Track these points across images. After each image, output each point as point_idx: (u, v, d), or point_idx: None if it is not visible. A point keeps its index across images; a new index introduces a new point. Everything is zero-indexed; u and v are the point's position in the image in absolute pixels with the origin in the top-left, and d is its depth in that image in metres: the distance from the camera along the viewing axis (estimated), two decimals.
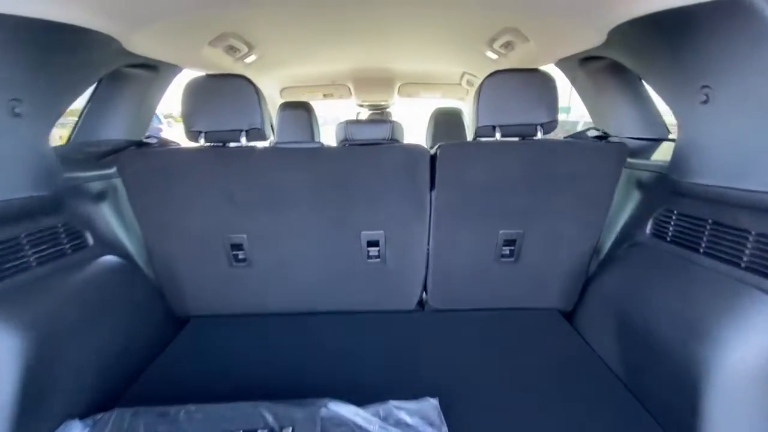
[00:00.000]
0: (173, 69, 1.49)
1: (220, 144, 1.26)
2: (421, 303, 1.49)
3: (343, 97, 3.17)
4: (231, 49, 1.74)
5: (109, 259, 1.18)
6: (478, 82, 2.81)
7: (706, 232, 0.98)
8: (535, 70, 1.25)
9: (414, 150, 1.22)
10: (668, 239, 1.11)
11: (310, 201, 1.26)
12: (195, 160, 1.21)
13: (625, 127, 1.33)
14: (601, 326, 1.24)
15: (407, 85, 3.02)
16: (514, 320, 1.43)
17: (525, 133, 1.25)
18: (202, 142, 1.24)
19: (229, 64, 1.87)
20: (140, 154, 1.20)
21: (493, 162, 1.22)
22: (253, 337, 1.32)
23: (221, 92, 1.22)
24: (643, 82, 1.36)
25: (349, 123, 1.24)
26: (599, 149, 1.21)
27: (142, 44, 1.20)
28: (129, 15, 1.04)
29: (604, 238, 1.37)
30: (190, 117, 1.23)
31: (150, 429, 0.85)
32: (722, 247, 0.94)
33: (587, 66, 1.38)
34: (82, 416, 0.88)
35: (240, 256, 1.35)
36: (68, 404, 0.91)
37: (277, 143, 2.46)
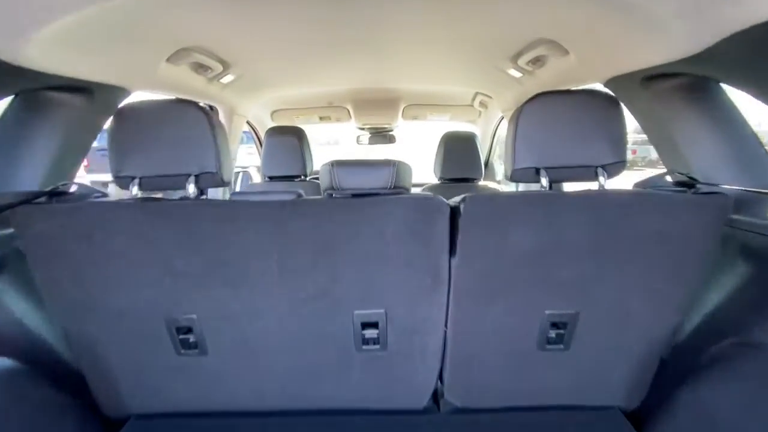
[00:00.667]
0: (117, 92, 1.17)
1: (159, 195, 0.92)
2: (435, 399, 1.12)
3: (341, 120, 2.87)
4: (200, 68, 1.44)
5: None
6: (492, 103, 2.51)
7: None
8: (595, 92, 0.92)
9: (427, 204, 0.87)
10: None
11: (283, 271, 0.91)
12: (122, 218, 0.87)
13: (718, 170, 0.98)
14: None
15: (413, 107, 2.71)
16: (563, 422, 1.05)
17: (581, 177, 0.91)
18: (135, 191, 0.90)
19: (200, 86, 1.56)
20: (42, 210, 0.86)
21: (540, 221, 0.87)
22: None
23: (162, 124, 0.89)
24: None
25: (337, 165, 0.88)
26: (690, 203, 0.85)
27: (46, 57, 0.88)
28: (18, 14, 0.72)
29: (690, 320, 1.00)
30: (118, 157, 0.90)
31: None
32: None
33: (655, 85, 1.04)
34: None
35: (190, 341, 0.99)
36: None
37: (265, 177, 2.18)
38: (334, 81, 2.14)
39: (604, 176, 0.89)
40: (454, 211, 0.88)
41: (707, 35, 0.76)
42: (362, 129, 3.04)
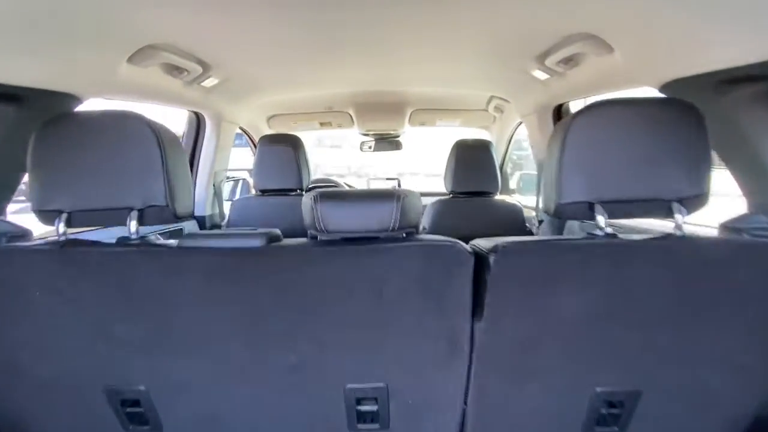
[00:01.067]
0: (64, 101, 0.96)
1: (88, 237, 0.71)
2: None
3: (343, 126, 2.66)
4: (174, 69, 1.23)
5: None
6: (510, 108, 2.27)
7: None
8: (671, 101, 0.69)
9: (444, 252, 0.65)
10: None
11: (252, 336, 0.69)
12: (39, 268, 0.66)
13: None
14: None
15: (421, 112, 2.49)
16: None
17: (650, 214, 0.68)
18: (61, 229, 0.69)
19: (177, 90, 1.36)
20: None
21: (597, 277, 0.64)
22: None
23: (97, 143, 0.68)
24: None
25: (321, 200, 0.65)
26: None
27: None
28: None
29: None
30: (41, 186, 0.69)
31: None
32: None
33: (736, 92, 0.81)
34: None
35: (140, 415, 0.78)
36: None
37: (257, 190, 1.98)
38: (335, 84, 1.93)
39: (681, 213, 0.66)
40: (481, 260, 0.66)
41: None
42: (366, 135, 2.82)
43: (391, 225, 0.64)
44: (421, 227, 1.43)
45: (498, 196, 1.96)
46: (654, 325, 0.67)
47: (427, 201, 2.69)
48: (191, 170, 1.87)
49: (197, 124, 1.82)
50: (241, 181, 3.87)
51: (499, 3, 0.92)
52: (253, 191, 3.07)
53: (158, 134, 0.69)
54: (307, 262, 0.65)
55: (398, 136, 2.87)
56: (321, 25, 1.08)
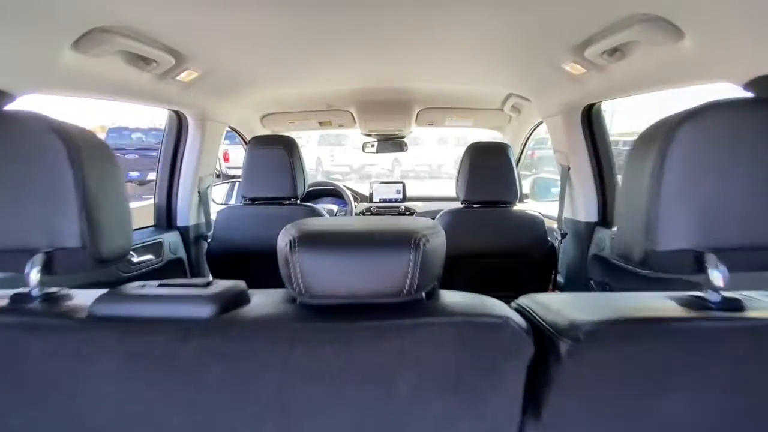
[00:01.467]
0: None
1: None
2: None
3: (344, 125, 2.45)
4: (140, 60, 1.03)
5: None
6: (529, 107, 2.05)
7: None
8: None
9: (488, 333, 0.43)
10: None
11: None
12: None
13: None
14: None
15: (429, 111, 2.27)
16: None
17: None
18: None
19: (145, 84, 1.15)
20: None
21: (723, 367, 0.43)
22: None
23: None
24: None
25: (301, 245, 0.43)
26: None
27: None
28: None
29: None
30: None
31: None
32: None
33: None
34: None
35: None
36: None
37: (243, 199, 1.78)
38: (335, 80, 1.72)
39: None
40: (543, 339, 0.45)
41: None
42: (368, 136, 2.61)
43: (407, 286, 0.43)
44: None
45: (518, 207, 1.74)
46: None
47: (432, 207, 2.48)
48: (173, 175, 1.67)
49: (178, 124, 1.61)
50: (237, 184, 3.62)
51: None
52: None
53: (70, 144, 0.48)
54: (279, 342, 0.44)
55: (403, 137, 2.65)
56: (317, 11, 0.88)
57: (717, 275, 0.45)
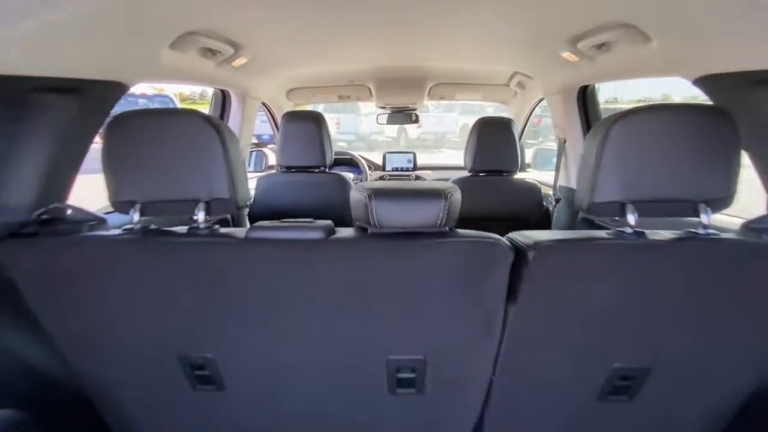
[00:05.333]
0: (113, 89, 1.00)
1: (159, 228, 0.78)
2: None
3: (362, 99, 2.65)
4: (208, 52, 1.25)
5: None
6: (533, 84, 2.24)
7: None
8: (703, 107, 0.72)
9: (487, 249, 0.71)
10: None
11: (309, 314, 0.78)
12: (120, 256, 0.74)
13: None
14: None
15: (440, 86, 2.46)
16: None
17: (677, 213, 0.73)
18: (135, 218, 0.77)
19: (209, 70, 1.38)
20: (28, 245, 0.73)
21: (624, 273, 0.71)
22: None
23: (164, 140, 0.74)
24: None
25: (375, 197, 0.70)
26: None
27: (25, 59, 0.72)
28: None
29: None
30: (115, 179, 0.76)
31: None
32: None
33: None
34: None
35: (207, 377, 0.89)
36: None
37: (280, 167, 2.03)
38: (356, 59, 1.92)
39: (707, 213, 0.71)
40: (519, 254, 0.73)
41: None
42: (383, 108, 2.81)
43: (439, 221, 0.70)
44: None
45: (519, 175, 1.99)
46: (669, 314, 0.74)
47: (440, 176, 2.73)
48: None
49: (222, 100, 1.84)
50: (254, 154, 3.83)
51: None
52: (272, 161, 3.04)
53: (219, 131, 0.74)
54: (359, 255, 0.73)
55: (415, 109, 2.85)
56: (344, 2, 1.08)
57: (631, 217, 0.71)
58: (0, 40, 0.62)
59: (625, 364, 0.82)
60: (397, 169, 2.92)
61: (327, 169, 1.91)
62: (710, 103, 1.01)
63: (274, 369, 0.87)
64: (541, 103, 2.42)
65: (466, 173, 1.93)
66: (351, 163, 2.94)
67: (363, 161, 2.91)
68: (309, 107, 2.72)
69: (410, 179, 2.82)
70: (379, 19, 1.27)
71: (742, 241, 0.74)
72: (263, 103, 2.37)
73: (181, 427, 0.97)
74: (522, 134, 2.62)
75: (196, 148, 0.74)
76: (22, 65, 0.73)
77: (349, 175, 2.82)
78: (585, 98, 1.77)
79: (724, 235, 0.72)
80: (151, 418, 0.95)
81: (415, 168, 2.91)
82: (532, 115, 2.56)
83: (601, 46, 1.22)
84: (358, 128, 10.15)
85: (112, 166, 0.75)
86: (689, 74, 1.01)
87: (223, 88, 1.75)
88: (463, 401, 0.91)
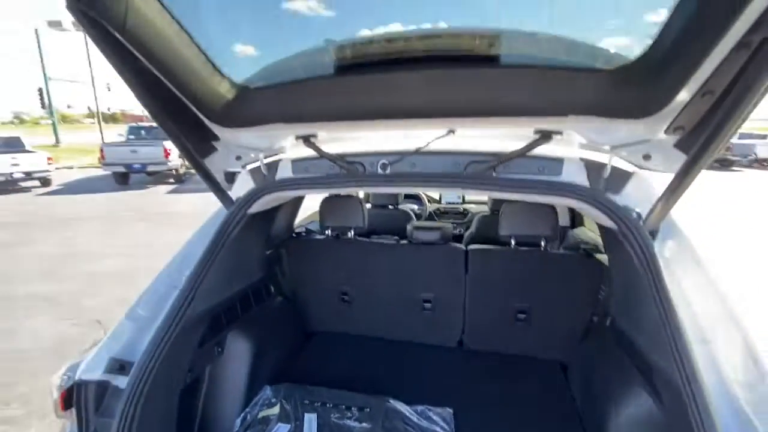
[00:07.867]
0: None
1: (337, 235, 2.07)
2: (460, 343, 2.06)
3: None
4: None
5: (279, 300, 2.06)
6: None
7: None
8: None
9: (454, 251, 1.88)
10: None
11: (390, 277, 1.99)
12: (323, 247, 2.04)
13: None
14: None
15: None
16: (525, 367, 1.92)
17: (534, 242, 1.79)
18: (328, 232, 2.06)
19: None
20: (298, 242, 2.08)
21: (509, 263, 1.80)
22: (349, 350, 2.06)
23: None
24: None
25: (416, 229, 1.94)
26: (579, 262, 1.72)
27: None
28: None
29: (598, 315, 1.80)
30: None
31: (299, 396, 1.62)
32: None
33: None
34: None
35: (346, 299, 2.11)
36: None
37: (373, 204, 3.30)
38: None
39: (545, 242, 1.77)
40: (466, 254, 1.85)
41: None
42: None
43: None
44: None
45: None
46: (534, 289, 1.79)
47: (478, 209, 3.82)
48: None
49: None
50: None
51: None
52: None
53: None
54: (403, 253, 1.94)
55: None
56: None
57: (513, 242, 1.80)
58: None
59: (520, 306, 1.85)
60: (450, 203, 4.05)
61: (398, 206, 3.14)
62: None
63: (372, 298, 2.08)
64: None
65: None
66: (417, 197, 4.14)
67: (425, 197, 4.08)
68: None
69: (460, 210, 3.91)
70: None
71: (560, 253, 1.77)
72: None
73: (334, 321, 2.19)
74: None
75: None
76: None
77: (414, 207, 4.01)
78: None
79: (552, 251, 1.75)
80: (320, 314, 2.20)
81: (463, 202, 4.01)
82: None
83: None
84: None
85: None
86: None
87: None
88: (456, 317, 2.01)
